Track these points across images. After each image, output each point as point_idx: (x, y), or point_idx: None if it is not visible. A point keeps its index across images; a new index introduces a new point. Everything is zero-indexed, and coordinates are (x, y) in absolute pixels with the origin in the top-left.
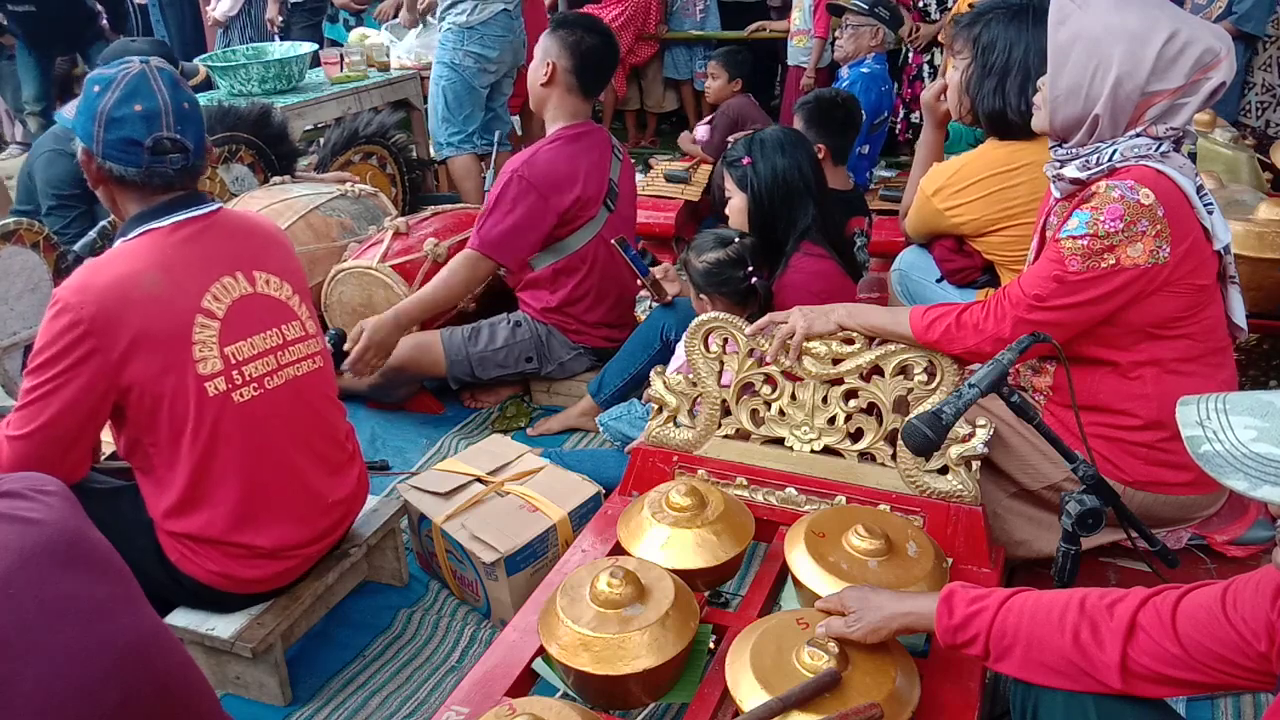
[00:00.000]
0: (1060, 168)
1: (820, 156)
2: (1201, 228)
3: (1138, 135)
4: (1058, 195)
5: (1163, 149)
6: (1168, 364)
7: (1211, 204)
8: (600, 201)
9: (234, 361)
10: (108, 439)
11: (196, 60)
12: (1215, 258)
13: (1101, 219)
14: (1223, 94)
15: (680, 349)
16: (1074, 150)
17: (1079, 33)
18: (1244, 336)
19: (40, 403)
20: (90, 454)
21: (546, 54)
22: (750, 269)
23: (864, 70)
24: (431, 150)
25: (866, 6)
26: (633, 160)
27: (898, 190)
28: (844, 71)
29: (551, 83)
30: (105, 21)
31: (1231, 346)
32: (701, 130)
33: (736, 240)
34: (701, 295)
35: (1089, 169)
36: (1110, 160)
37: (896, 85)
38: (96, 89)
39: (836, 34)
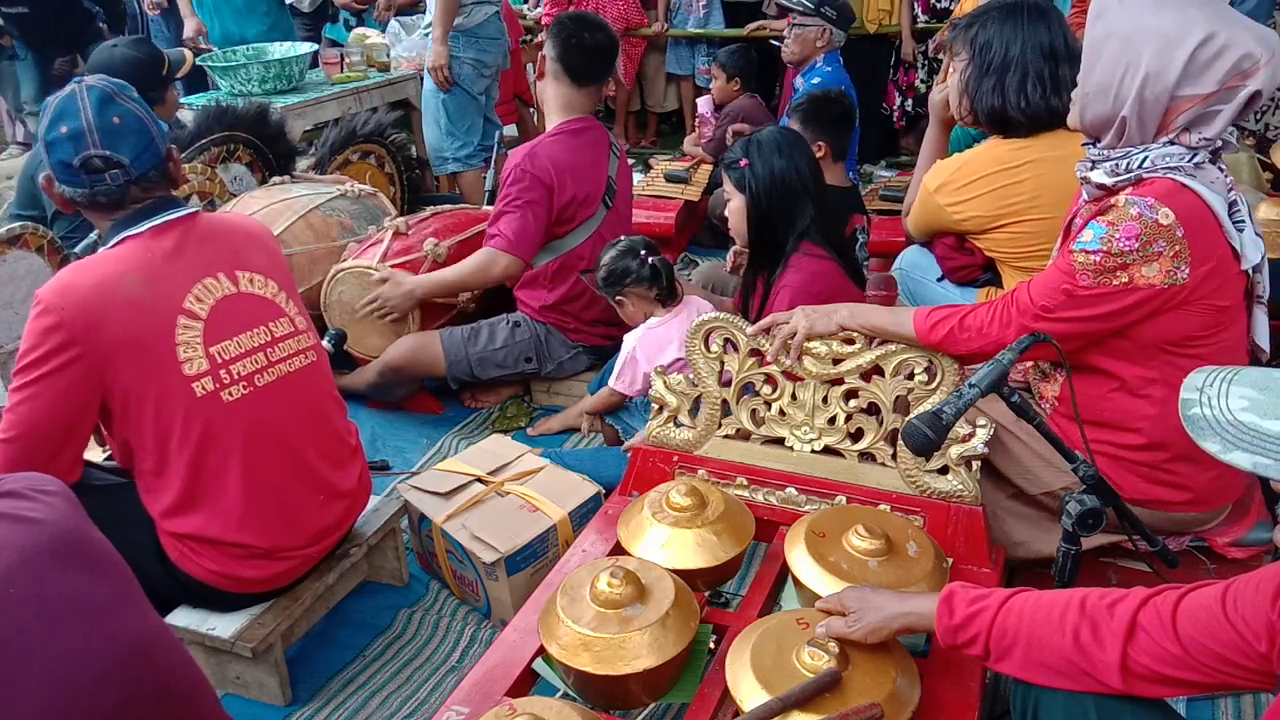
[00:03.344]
0: (1090, 169)
1: (820, 155)
2: (1230, 247)
3: (1170, 143)
4: (1086, 197)
5: (1196, 159)
6: (1177, 384)
7: (1244, 222)
8: (599, 199)
9: (220, 361)
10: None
11: (197, 60)
12: (1242, 277)
13: (1116, 236)
14: (1260, 103)
15: (620, 358)
16: (1105, 153)
17: (1112, 29)
18: (1265, 357)
19: (26, 405)
20: (82, 458)
21: (545, 50)
22: (643, 252)
23: (815, 80)
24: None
25: (812, 6)
26: (632, 160)
27: (898, 190)
28: (798, 82)
29: (542, 74)
30: (103, 23)
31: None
32: (704, 103)
33: (623, 237)
34: (618, 300)
35: (1116, 175)
36: (1140, 167)
37: (893, 72)
38: (43, 118)
39: (784, 34)
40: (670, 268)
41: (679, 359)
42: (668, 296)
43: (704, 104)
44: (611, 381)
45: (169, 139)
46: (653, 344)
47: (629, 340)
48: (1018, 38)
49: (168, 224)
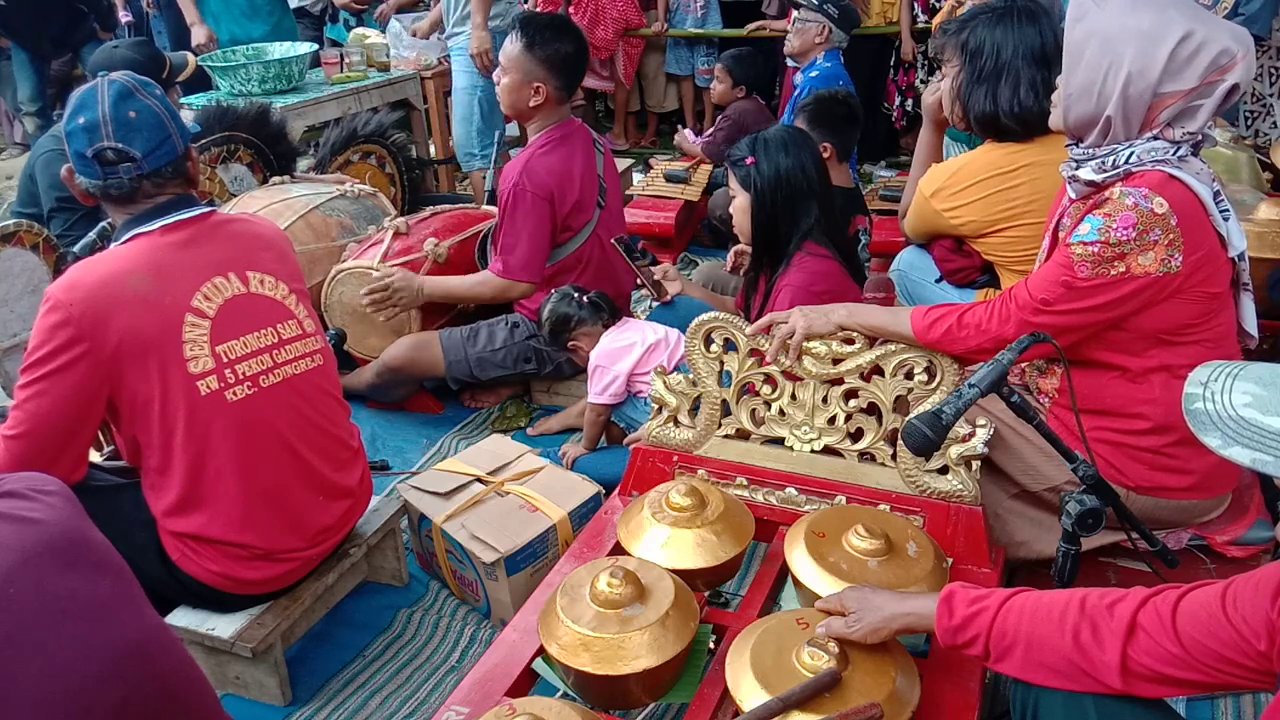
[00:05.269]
0: (1076, 168)
1: (826, 156)
2: (1217, 235)
3: (1154, 138)
4: (1072, 196)
5: (1180, 153)
6: (1178, 370)
7: (1228, 210)
8: (594, 203)
9: (226, 360)
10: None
11: (198, 61)
12: (1229, 265)
13: (1114, 226)
14: (1238, 97)
15: (595, 370)
16: (1089, 151)
17: (1093, 30)
18: (1254, 343)
19: (34, 401)
20: (87, 455)
21: (529, 76)
22: (576, 294)
23: (813, 75)
24: (453, 158)
25: (816, 2)
26: (632, 160)
27: (898, 190)
28: (797, 78)
29: (545, 104)
30: (95, 23)
31: (1241, 353)
32: (690, 134)
33: (552, 291)
34: (573, 347)
35: (1104, 171)
36: (1126, 163)
37: (893, 72)
38: (67, 109)
39: (787, 28)
40: (607, 297)
41: (653, 345)
42: (613, 321)
43: (690, 137)
44: (590, 398)
45: (189, 139)
46: (611, 348)
47: (590, 362)
48: (1009, 42)
49: (179, 222)
